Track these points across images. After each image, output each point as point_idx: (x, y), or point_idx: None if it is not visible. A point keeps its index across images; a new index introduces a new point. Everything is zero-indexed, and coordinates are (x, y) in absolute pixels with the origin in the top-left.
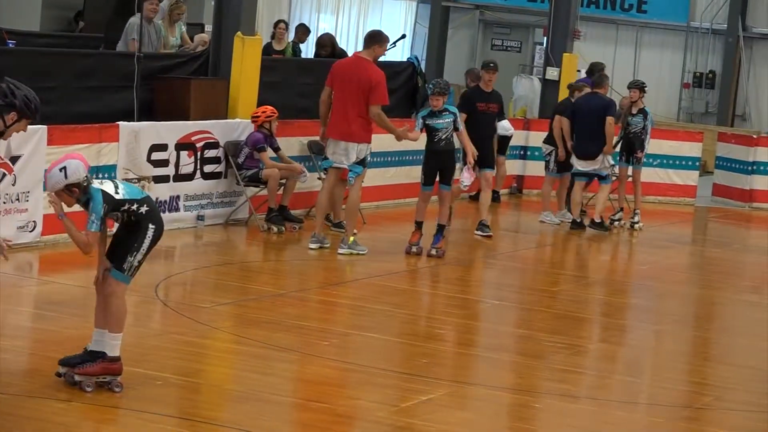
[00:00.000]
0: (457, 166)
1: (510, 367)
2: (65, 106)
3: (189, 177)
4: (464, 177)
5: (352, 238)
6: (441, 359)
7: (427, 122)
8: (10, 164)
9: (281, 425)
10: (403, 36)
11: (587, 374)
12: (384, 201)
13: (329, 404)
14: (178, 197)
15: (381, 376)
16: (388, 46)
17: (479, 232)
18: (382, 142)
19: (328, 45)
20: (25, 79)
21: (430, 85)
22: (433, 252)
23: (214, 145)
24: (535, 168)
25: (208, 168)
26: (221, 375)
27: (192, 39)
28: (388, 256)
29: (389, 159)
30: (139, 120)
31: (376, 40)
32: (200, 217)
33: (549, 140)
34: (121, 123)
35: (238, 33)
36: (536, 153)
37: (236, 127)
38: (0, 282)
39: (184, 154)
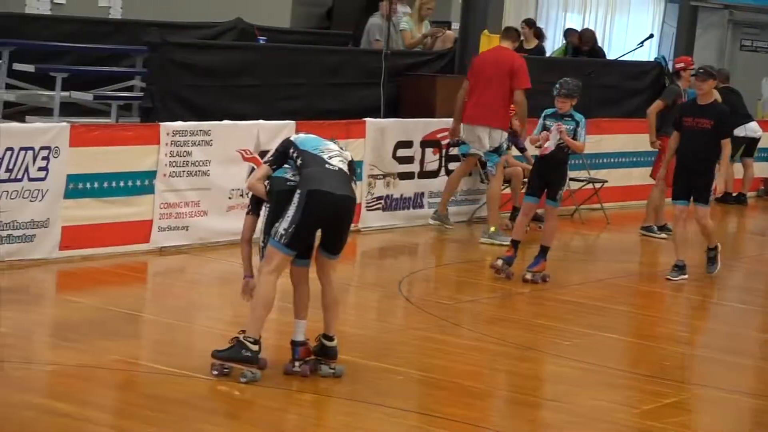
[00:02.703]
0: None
1: (753, 371)
2: (313, 101)
3: (434, 174)
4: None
5: (493, 228)
6: (683, 362)
7: (546, 123)
8: (259, 158)
9: (520, 423)
10: (651, 36)
11: None
12: (629, 201)
13: (568, 404)
14: (422, 194)
15: (621, 378)
16: (636, 45)
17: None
18: (625, 142)
19: (590, 41)
20: (274, 74)
21: (557, 85)
22: (529, 276)
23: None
24: None
25: (452, 165)
26: (461, 371)
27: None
28: (630, 256)
29: (635, 159)
30: (385, 117)
31: (513, 30)
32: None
33: None
34: (368, 119)
35: (485, 31)
36: None
37: None
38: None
39: (429, 151)
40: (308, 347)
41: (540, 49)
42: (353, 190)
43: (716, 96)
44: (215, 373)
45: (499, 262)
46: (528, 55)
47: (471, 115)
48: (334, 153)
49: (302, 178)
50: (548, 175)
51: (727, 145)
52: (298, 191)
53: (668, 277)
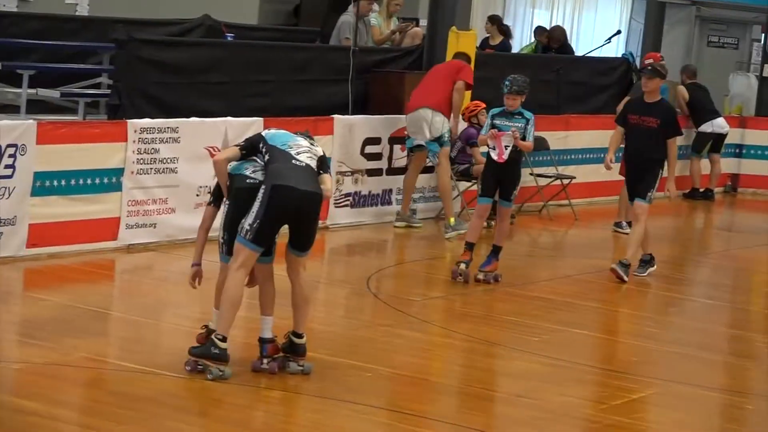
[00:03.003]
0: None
1: (722, 367)
2: (281, 98)
3: (402, 171)
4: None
5: (452, 220)
6: (651, 357)
7: (495, 122)
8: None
9: (489, 419)
10: (618, 32)
11: None
12: (597, 198)
13: (537, 400)
14: (390, 191)
15: (590, 373)
16: (603, 42)
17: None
18: (593, 138)
19: (559, 39)
20: (241, 71)
21: (506, 81)
22: (481, 276)
23: None
24: (751, 166)
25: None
26: (430, 368)
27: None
28: (599, 252)
29: (603, 156)
30: (353, 113)
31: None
32: (413, 212)
33: None
34: (335, 116)
35: (453, 27)
36: (752, 151)
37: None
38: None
39: (397, 147)
40: (276, 344)
41: (505, 46)
42: (319, 186)
43: (683, 94)
44: (188, 368)
45: (461, 266)
46: (495, 52)
47: (413, 103)
48: (303, 149)
49: (268, 173)
50: (501, 174)
51: (673, 144)
52: (263, 186)
53: (635, 273)
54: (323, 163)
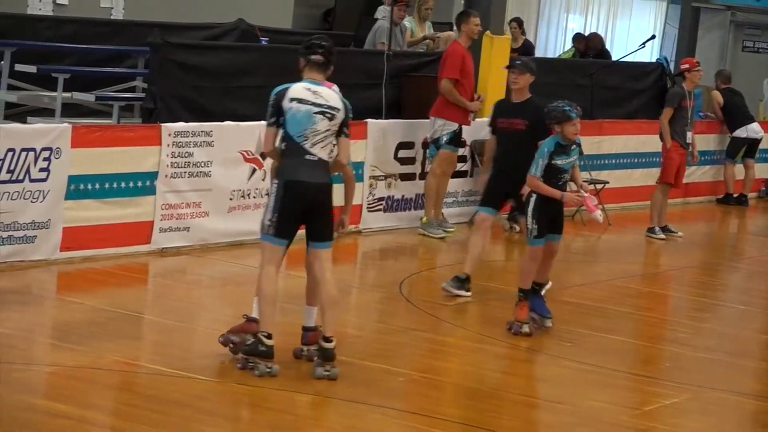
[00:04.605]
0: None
1: (754, 373)
2: None
3: None
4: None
5: (424, 219)
6: (684, 363)
7: (556, 162)
8: (261, 159)
9: (521, 425)
10: (653, 37)
11: None
12: (630, 203)
13: (569, 405)
14: (423, 195)
15: (623, 379)
16: (637, 47)
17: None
18: (627, 143)
19: (597, 47)
20: (275, 75)
21: (566, 107)
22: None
23: (461, 144)
24: None
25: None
26: (462, 373)
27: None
28: (632, 257)
29: (636, 161)
30: (386, 117)
31: (459, 21)
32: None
33: None
34: (369, 120)
35: (487, 32)
36: None
37: (484, 126)
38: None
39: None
40: (318, 332)
41: (527, 48)
42: (329, 176)
43: (718, 98)
44: (239, 366)
45: (525, 329)
46: (529, 57)
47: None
48: (319, 137)
49: (282, 168)
50: (558, 208)
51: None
52: (276, 181)
53: (444, 287)
54: (344, 125)
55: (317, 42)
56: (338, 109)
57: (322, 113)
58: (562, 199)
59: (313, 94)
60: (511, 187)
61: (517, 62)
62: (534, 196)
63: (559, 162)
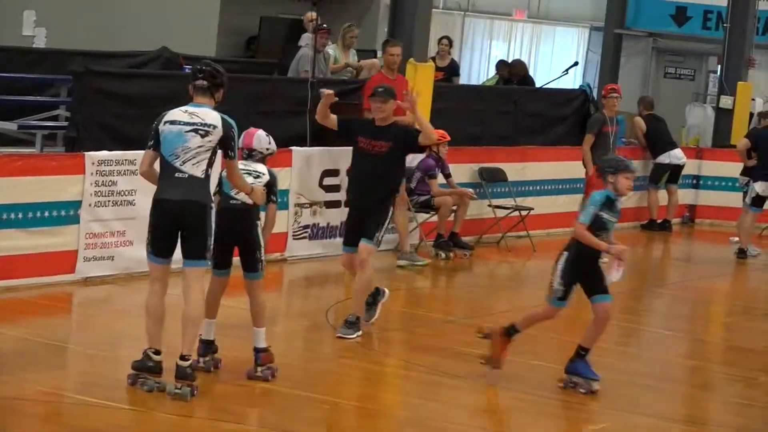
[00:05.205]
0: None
1: (681, 398)
2: (239, 129)
3: None
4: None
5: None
6: (608, 389)
7: (604, 216)
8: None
9: None
10: (576, 63)
11: (760, 407)
12: (555, 229)
13: None
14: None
15: (550, 405)
16: (561, 73)
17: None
18: (551, 169)
19: (520, 73)
20: None
21: (620, 161)
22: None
23: None
24: (708, 197)
25: None
26: (389, 401)
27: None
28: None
29: (561, 187)
30: (311, 145)
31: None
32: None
33: (746, 171)
34: (294, 148)
35: (411, 59)
36: (709, 182)
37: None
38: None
39: None
40: (270, 354)
41: (453, 67)
42: (200, 193)
43: (641, 125)
44: (129, 381)
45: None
46: (456, 84)
47: None
48: (190, 155)
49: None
50: (593, 264)
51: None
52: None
53: (338, 334)
54: (227, 145)
55: (199, 67)
56: (214, 126)
57: (195, 130)
58: (610, 251)
59: (189, 115)
60: (364, 217)
61: (379, 89)
62: (565, 254)
63: (605, 216)
